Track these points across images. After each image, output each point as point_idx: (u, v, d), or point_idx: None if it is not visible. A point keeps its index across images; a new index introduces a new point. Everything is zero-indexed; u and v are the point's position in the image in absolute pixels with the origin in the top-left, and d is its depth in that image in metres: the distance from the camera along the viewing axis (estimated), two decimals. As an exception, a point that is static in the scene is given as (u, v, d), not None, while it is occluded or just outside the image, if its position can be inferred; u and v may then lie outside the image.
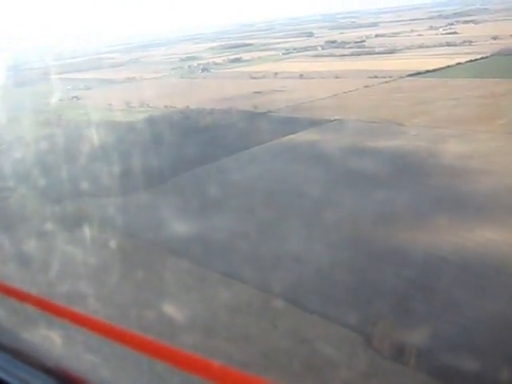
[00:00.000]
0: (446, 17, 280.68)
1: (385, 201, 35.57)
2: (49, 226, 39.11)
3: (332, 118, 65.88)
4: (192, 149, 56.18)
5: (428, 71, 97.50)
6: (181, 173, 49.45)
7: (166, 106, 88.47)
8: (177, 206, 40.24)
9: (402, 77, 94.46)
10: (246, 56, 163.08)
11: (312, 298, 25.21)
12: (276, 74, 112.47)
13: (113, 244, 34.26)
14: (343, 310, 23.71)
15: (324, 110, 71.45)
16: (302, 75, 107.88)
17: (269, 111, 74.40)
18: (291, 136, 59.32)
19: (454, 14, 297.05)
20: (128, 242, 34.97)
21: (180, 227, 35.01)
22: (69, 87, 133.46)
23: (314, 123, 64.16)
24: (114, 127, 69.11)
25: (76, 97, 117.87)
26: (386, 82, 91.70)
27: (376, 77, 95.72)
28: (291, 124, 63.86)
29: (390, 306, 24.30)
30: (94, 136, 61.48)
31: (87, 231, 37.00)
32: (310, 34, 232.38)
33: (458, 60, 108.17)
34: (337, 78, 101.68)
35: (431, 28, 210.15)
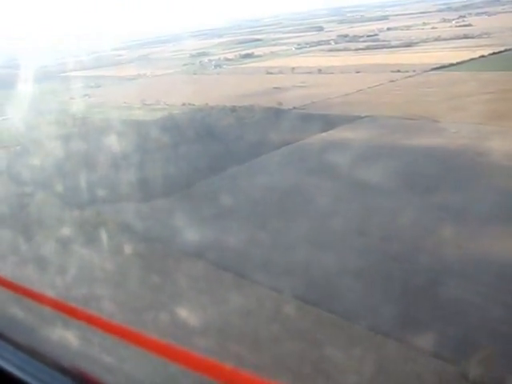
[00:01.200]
0: (456, 9, 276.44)
1: (457, 206, 32.63)
2: (76, 232, 36.44)
3: (363, 115, 62.93)
4: (219, 149, 53.26)
5: (452, 64, 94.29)
6: (211, 175, 46.62)
7: (183, 104, 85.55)
8: (212, 214, 37.42)
9: (425, 71, 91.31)
10: (257, 51, 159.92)
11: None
12: (293, 69, 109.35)
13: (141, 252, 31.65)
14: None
15: (352, 106, 68.50)
16: (320, 70, 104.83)
17: (294, 108, 71.49)
18: (323, 134, 56.42)
19: (464, 6, 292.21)
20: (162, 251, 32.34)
21: (220, 238, 32.32)
22: (78, 85, 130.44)
23: (344, 120, 61.24)
24: (133, 127, 66.08)
25: (87, 95, 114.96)
26: (411, 76, 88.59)
27: (399, 71, 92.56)
28: (320, 121, 60.73)
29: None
30: (115, 137, 58.51)
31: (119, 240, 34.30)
32: (320, 29, 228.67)
33: (480, 53, 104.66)
34: (357, 72, 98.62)
35: (444, 20, 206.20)
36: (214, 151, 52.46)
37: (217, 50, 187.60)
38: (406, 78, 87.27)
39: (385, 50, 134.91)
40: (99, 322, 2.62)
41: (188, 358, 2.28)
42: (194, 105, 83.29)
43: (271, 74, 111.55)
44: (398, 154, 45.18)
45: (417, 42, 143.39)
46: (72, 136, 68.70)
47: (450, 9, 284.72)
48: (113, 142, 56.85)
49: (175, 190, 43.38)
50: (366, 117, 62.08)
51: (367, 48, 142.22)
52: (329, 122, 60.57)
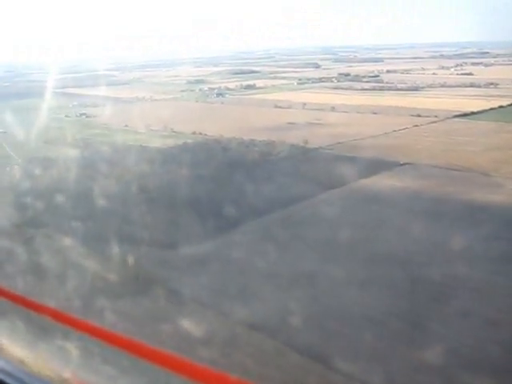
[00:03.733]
0: (449, 57, 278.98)
1: None
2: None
3: (401, 162, 57.88)
4: (251, 190, 47.26)
5: (473, 113, 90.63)
6: (250, 221, 40.62)
7: (194, 133, 79.75)
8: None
9: (448, 117, 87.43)
10: (258, 83, 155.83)
11: None
12: (304, 104, 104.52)
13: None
14: None
15: (383, 150, 63.39)
16: (333, 108, 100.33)
17: (320, 147, 66.18)
18: (365, 181, 51.06)
19: (455, 55, 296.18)
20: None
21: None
22: (74, 103, 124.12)
23: (382, 166, 56.04)
24: (145, 155, 60.09)
25: (85, 114, 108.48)
26: (434, 122, 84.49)
27: (419, 116, 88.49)
28: (356, 165, 55.39)
29: None
30: (130, 165, 52.48)
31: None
32: (317, 66, 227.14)
33: (496, 103, 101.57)
34: (374, 113, 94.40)
35: (442, 67, 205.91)
36: (245, 192, 46.45)
37: (214, 78, 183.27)
38: (430, 123, 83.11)
39: (392, 92, 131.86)
40: (99, 332, 2.45)
41: (191, 368, 2.18)
42: (206, 135, 77.50)
43: (280, 107, 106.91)
44: (466, 213, 39.88)
45: (423, 87, 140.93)
46: (72, 160, 62.23)
47: (442, 56, 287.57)
48: (127, 171, 50.70)
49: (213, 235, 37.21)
50: (405, 164, 57.05)
51: (373, 89, 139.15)
52: (366, 166, 55.18)
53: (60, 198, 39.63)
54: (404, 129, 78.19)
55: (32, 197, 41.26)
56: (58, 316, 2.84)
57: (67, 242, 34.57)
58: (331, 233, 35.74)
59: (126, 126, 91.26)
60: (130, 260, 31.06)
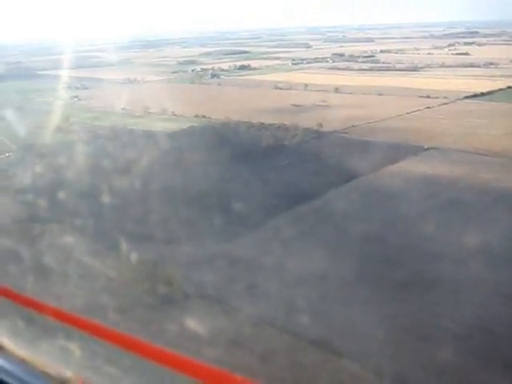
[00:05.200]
0: (439, 37, 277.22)
1: None
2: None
3: (425, 146, 54.67)
4: (274, 177, 43.85)
5: (483, 94, 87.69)
6: (281, 212, 37.19)
7: (197, 116, 75.71)
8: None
9: (458, 99, 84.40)
10: (252, 63, 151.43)
11: None
12: (306, 85, 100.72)
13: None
14: None
15: (403, 134, 60.18)
16: (337, 89, 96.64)
17: (335, 131, 62.72)
18: (393, 167, 47.85)
19: (445, 35, 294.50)
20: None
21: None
22: (64, 85, 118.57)
23: (406, 151, 52.85)
24: (153, 140, 56.05)
25: (76, 97, 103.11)
26: (445, 103, 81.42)
27: (428, 97, 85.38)
28: (379, 150, 52.23)
29: None
30: (142, 152, 48.43)
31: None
32: (308, 46, 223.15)
33: (504, 83, 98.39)
34: (380, 94, 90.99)
35: (436, 47, 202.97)
36: (268, 180, 42.97)
37: (204, 59, 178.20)
38: (441, 105, 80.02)
39: (392, 72, 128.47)
40: (100, 330, 2.47)
41: (192, 366, 2.17)
42: (210, 118, 73.52)
43: (280, 89, 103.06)
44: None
45: (422, 67, 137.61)
46: (73, 146, 58.06)
47: (432, 36, 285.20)
48: (136, 159, 46.73)
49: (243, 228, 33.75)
50: (430, 149, 53.89)
51: (371, 69, 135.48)
52: (389, 151, 52.12)
53: (72, 193, 35.76)
54: (416, 111, 75.01)
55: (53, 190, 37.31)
56: (60, 316, 2.78)
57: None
58: (380, 223, 32.62)
59: (123, 109, 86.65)
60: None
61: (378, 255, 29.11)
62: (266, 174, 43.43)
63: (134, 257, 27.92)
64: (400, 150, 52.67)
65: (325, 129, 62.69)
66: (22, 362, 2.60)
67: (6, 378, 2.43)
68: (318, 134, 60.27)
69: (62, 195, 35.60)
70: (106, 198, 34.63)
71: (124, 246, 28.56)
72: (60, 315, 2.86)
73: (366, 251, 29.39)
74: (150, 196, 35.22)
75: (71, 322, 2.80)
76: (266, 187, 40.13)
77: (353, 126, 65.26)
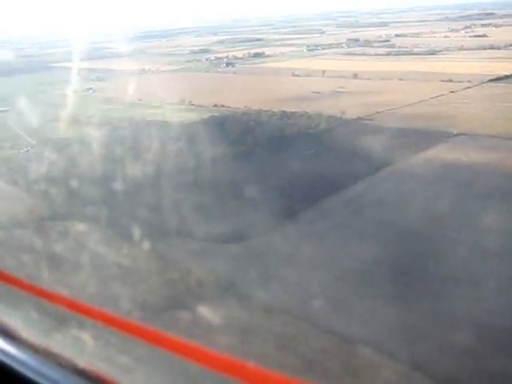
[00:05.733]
0: (454, 19, 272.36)
1: None
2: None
3: (455, 132, 52.92)
4: (303, 167, 42.42)
5: (507, 77, 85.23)
6: (313, 204, 35.83)
7: (215, 105, 74.34)
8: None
9: (483, 82, 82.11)
10: (266, 51, 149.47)
11: None
12: (323, 72, 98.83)
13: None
14: None
15: (430, 120, 58.47)
16: (355, 75, 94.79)
17: (359, 118, 61.11)
18: (425, 154, 46.33)
19: (460, 17, 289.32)
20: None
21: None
22: (77, 77, 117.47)
23: (435, 138, 51.21)
24: (173, 131, 54.71)
25: (91, 88, 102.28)
26: (469, 87, 79.26)
27: (451, 81, 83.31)
28: (407, 137, 50.77)
29: None
30: (165, 143, 47.21)
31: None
32: (321, 32, 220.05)
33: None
34: (400, 80, 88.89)
35: (452, 30, 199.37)
36: (295, 170, 41.59)
37: (218, 47, 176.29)
38: (465, 89, 77.90)
39: (410, 56, 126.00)
40: (114, 320, 2.48)
41: (208, 356, 2.15)
42: (229, 107, 72.08)
43: (298, 76, 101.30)
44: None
45: (440, 51, 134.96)
46: (93, 140, 56.94)
47: (448, 19, 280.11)
48: (161, 151, 45.47)
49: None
50: (460, 134, 52.13)
51: (389, 54, 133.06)
52: (418, 138, 50.58)
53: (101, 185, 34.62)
54: (441, 95, 73.02)
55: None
56: (72, 305, 2.77)
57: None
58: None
59: (140, 99, 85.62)
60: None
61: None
62: (295, 164, 41.98)
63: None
64: (429, 137, 51.06)
65: (348, 116, 61.10)
66: (35, 351, 2.56)
67: (19, 368, 2.41)
68: (342, 122, 58.72)
69: (97, 190, 34.40)
70: (149, 192, 33.56)
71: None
72: (71, 304, 2.79)
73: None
74: (194, 187, 34.08)
75: (87, 314, 2.71)
76: (298, 177, 38.84)
77: (377, 112, 63.58)
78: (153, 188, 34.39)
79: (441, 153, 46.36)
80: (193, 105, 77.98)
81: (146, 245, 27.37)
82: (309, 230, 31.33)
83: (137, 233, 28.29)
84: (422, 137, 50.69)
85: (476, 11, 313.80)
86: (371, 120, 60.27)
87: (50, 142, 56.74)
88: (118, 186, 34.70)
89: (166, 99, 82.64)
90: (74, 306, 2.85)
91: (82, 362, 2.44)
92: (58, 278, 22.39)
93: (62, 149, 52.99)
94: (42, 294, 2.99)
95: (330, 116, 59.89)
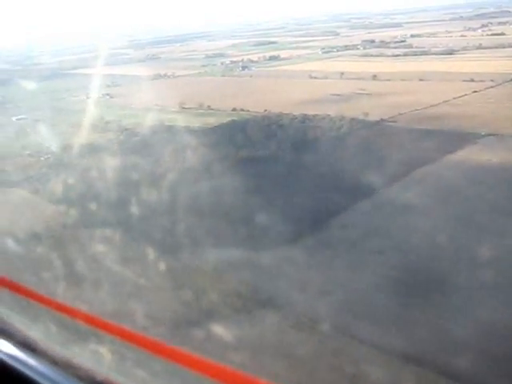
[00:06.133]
0: (469, 18, 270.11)
1: None
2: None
3: (482, 133, 51.63)
4: (334, 172, 41.45)
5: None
6: (348, 209, 34.90)
7: (234, 109, 73.46)
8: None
9: (506, 81, 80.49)
10: (281, 54, 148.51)
11: None
12: (342, 74, 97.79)
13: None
14: None
15: (454, 120, 57.25)
16: (375, 76, 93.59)
17: (382, 120, 59.98)
18: (454, 156, 45.16)
19: (476, 15, 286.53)
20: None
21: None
22: (92, 83, 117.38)
23: (463, 138, 50.00)
24: (195, 136, 54.00)
25: (108, 94, 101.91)
26: (492, 86, 77.67)
27: (473, 80, 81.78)
28: (434, 138, 49.65)
29: None
30: (185, 149, 46.41)
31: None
32: (336, 33, 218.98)
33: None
34: (421, 80, 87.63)
35: (468, 29, 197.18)
36: (330, 175, 40.61)
37: (232, 51, 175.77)
38: (488, 88, 76.35)
39: (428, 56, 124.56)
40: (132, 336, 2.49)
41: (226, 373, 2.13)
42: (249, 111, 71.25)
43: (316, 78, 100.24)
44: None
45: (458, 50, 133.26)
46: (114, 147, 56.45)
47: (462, 18, 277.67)
48: (189, 157, 44.73)
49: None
50: (488, 135, 50.80)
51: (406, 54, 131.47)
52: (445, 139, 49.45)
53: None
54: (464, 95, 71.62)
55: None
56: (89, 320, 2.78)
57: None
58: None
59: (157, 105, 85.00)
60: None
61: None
62: (322, 167, 41.04)
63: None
64: (456, 138, 49.88)
65: (371, 118, 59.99)
66: (53, 363, 2.59)
67: (35, 377, 2.44)
68: (366, 124, 57.67)
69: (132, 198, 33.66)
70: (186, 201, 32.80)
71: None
72: (93, 321, 2.79)
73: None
74: (233, 193, 33.27)
75: (106, 329, 2.73)
76: (326, 181, 37.91)
77: (399, 113, 62.39)
78: (192, 196, 33.47)
79: (470, 154, 45.16)
80: (212, 109, 77.30)
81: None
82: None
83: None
84: (449, 138, 49.56)
85: (491, 9, 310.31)
86: (395, 122, 59.15)
87: (74, 149, 56.32)
88: (151, 194, 34.02)
89: (184, 104, 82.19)
90: (91, 320, 2.84)
91: (100, 375, 2.45)
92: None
93: (85, 156, 52.47)
94: (60, 308, 2.98)
95: (352, 118, 58.84)
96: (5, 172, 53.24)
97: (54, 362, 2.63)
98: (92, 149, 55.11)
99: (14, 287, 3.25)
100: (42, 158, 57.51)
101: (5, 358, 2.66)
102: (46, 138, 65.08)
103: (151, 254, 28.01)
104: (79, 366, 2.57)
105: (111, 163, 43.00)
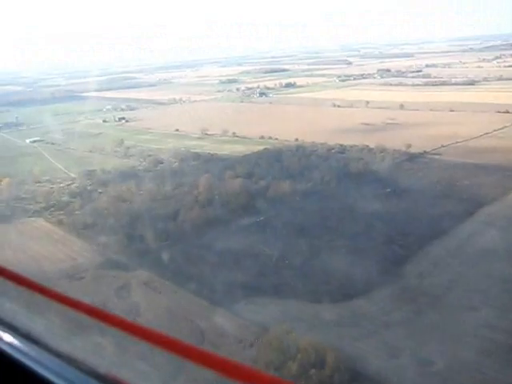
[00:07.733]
0: (479, 50, 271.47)
1: None
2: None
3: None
4: (389, 208, 37.63)
5: None
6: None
7: (262, 137, 69.58)
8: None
9: (542, 113, 77.25)
10: (297, 81, 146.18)
11: None
12: (367, 102, 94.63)
13: None
14: None
15: (502, 154, 53.44)
16: (401, 106, 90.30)
17: (425, 152, 56.26)
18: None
19: (485, 47, 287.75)
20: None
21: None
22: (107, 107, 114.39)
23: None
24: (228, 165, 50.39)
25: (124, 118, 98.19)
26: (529, 118, 74.29)
27: (508, 112, 78.47)
28: (486, 173, 46.08)
29: None
30: (221, 179, 42.60)
31: None
32: (348, 62, 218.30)
33: None
34: (452, 111, 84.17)
35: (483, 60, 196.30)
36: (391, 211, 36.74)
37: (246, 77, 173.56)
38: (525, 120, 72.92)
39: (449, 87, 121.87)
40: (135, 328, 2.46)
41: (227, 365, 2.11)
42: (277, 139, 67.61)
43: (339, 107, 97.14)
44: None
45: (478, 81, 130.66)
46: (149, 175, 52.72)
47: (472, 50, 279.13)
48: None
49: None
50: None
51: (426, 84, 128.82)
52: (500, 173, 45.65)
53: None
54: (503, 127, 68.11)
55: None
56: (92, 312, 2.74)
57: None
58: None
59: (177, 130, 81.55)
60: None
61: None
62: (378, 206, 37.17)
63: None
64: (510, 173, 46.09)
65: (413, 150, 56.27)
66: (56, 355, 2.58)
67: (43, 372, 2.49)
68: (409, 156, 53.95)
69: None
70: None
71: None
72: (96, 313, 2.69)
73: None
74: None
75: (109, 321, 2.63)
76: (385, 220, 33.97)
77: (442, 145, 58.72)
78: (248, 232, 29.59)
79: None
80: (237, 136, 73.64)
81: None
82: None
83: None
84: (503, 173, 45.83)
85: (499, 42, 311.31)
86: (440, 154, 55.44)
87: (93, 175, 52.66)
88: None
89: (206, 130, 78.37)
90: (93, 312, 2.73)
91: (101, 367, 2.46)
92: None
93: (105, 182, 48.80)
94: (63, 300, 2.85)
95: (395, 150, 55.19)
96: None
97: (56, 353, 2.64)
98: (117, 175, 51.44)
99: (17, 279, 2.99)
100: (62, 185, 53.54)
101: (8, 350, 2.68)
102: (64, 163, 61.61)
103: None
104: (82, 358, 2.55)
105: (140, 198, 39.11)
